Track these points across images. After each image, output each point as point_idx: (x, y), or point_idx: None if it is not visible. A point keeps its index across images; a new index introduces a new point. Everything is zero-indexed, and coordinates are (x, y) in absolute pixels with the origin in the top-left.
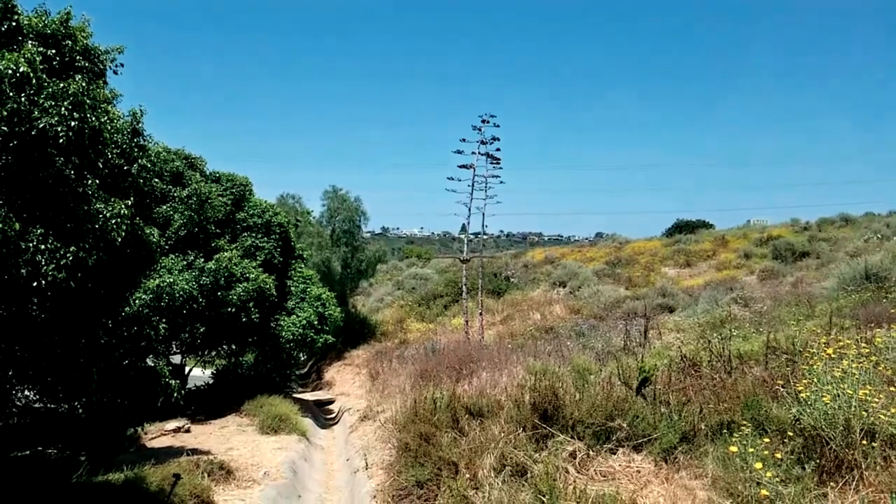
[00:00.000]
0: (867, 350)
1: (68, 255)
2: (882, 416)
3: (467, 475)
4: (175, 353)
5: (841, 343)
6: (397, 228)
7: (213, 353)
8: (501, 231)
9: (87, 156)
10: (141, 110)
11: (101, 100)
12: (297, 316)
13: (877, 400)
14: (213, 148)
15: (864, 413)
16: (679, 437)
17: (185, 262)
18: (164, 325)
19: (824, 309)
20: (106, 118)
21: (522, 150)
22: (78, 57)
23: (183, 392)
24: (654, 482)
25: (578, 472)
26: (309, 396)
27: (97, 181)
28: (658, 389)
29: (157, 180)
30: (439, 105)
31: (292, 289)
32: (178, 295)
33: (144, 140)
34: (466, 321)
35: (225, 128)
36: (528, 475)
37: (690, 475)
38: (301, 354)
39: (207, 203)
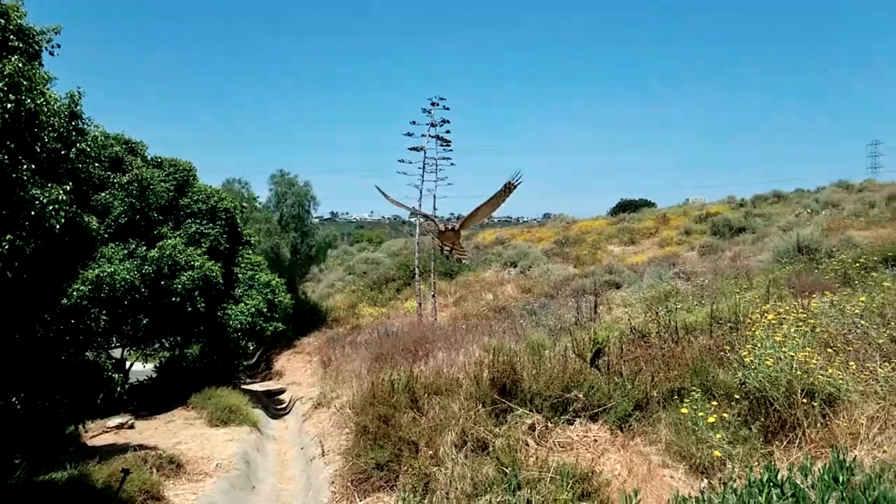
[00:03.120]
0: (804, 315)
1: (4, 243)
2: (820, 377)
3: (429, 453)
4: (116, 347)
5: (780, 310)
6: (347, 213)
7: (157, 346)
8: (452, 213)
9: (22, 140)
10: (79, 92)
11: (38, 81)
12: (246, 304)
13: (815, 361)
14: (154, 134)
15: (804, 374)
16: (633, 405)
17: (126, 251)
18: (104, 318)
19: (761, 280)
20: (42, 100)
21: (472, 133)
22: (11, 37)
23: (126, 387)
24: (610, 450)
25: (538, 444)
26: (258, 387)
27: (33, 166)
28: (611, 360)
29: (96, 165)
30: (388, 88)
31: (240, 276)
32: (118, 285)
33: (83, 123)
34: (420, 304)
35: (166, 113)
36: (490, 449)
37: (645, 441)
38: (250, 344)
39: (149, 189)
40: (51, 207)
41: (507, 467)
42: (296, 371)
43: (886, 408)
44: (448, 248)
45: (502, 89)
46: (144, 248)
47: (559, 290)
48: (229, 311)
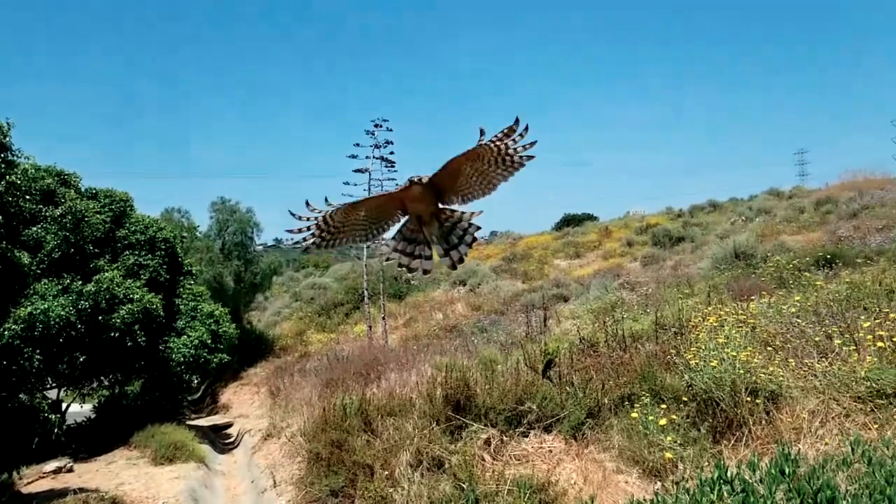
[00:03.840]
0: (744, 317)
1: None
2: (762, 375)
3: (385, 474)
4: (51, 387)
5: (721, 313)
6: (291, 239)
7: (96, 385)
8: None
9: None
10: (8, 124)
11: None
12: (188, 336)
13: (756, 360)
14: (90, 167)
15: (746, 373)
16: (585, 414)
17: (60, 287)
18: (38, 357)
19: (702, 287)
20: None
21: (416, 153)
22: None
23: (63, 429)
24: (566, 459)
25: (494, 458)
26: (204, 422)
27: None
28: (562, 371)
29: (27, 198)
30: (327, 112)
31: (181, 307)
32: (53, 322)
33: (13, 155)
34: (370, 327)
35: (103, 145)
36: (446, 466)
37: (599, 448)
38: (194, 378)
39: (84, 222)
40: None
41: (463, 483)
42: (243, 403)
43: (826, 402)
44: (426, 226)
45: (439, 105)
46: (80, 282)
47: (509, 306)
48: (171, 345)
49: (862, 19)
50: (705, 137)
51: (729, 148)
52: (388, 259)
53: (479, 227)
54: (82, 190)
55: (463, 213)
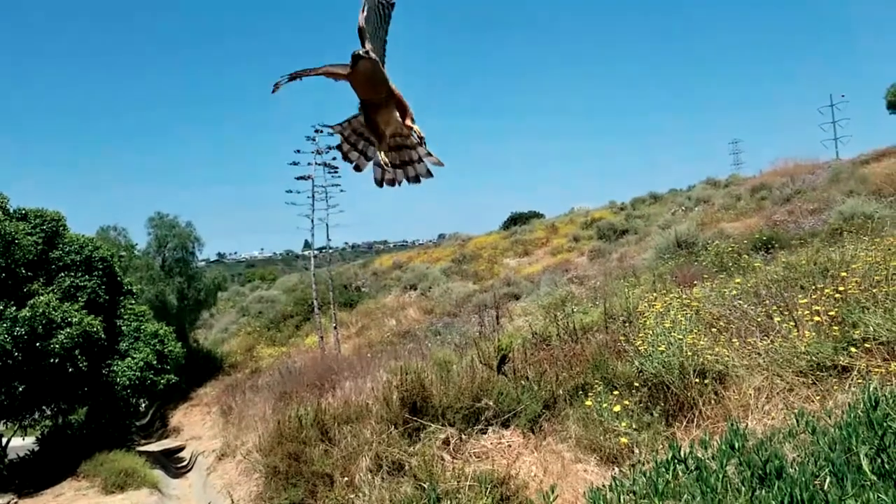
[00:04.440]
0: (688, 302)
1: None
2: (708, 356)
3: (345, 481)
4: None
5: (666, 299)
6: (235, 253)
7: (37, 415)
8: (346, 243)
9: None
10: None
11: None
12: (133, 358)
13: (702, 342)
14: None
15: (693, 356)
16: (542, 406)
17: None
18: None
19: (648, 277)
20: None
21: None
22: None
23: (5, 463)
24: (524, 453)
25: (454, 457)
26: (155, 447)
27: None
28: (516, 366)
29: None
30: (256, 115)
31: (123, 328)
32: None
33: None
34: (321, 337)
35: (23, 162)
36: (406, 469)
37: (556, 440)
38: (141, 401)
39: (14, 244)
40: None
41: (424, 483)
42: (194, 425)
43: (770, 378)
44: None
45: None
46: (14, 308)
47: (461, 308)
48: (115, 368)
49: (790, 12)
50: (644, 131)
51: (667, 141)
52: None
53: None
54: (11, 211)
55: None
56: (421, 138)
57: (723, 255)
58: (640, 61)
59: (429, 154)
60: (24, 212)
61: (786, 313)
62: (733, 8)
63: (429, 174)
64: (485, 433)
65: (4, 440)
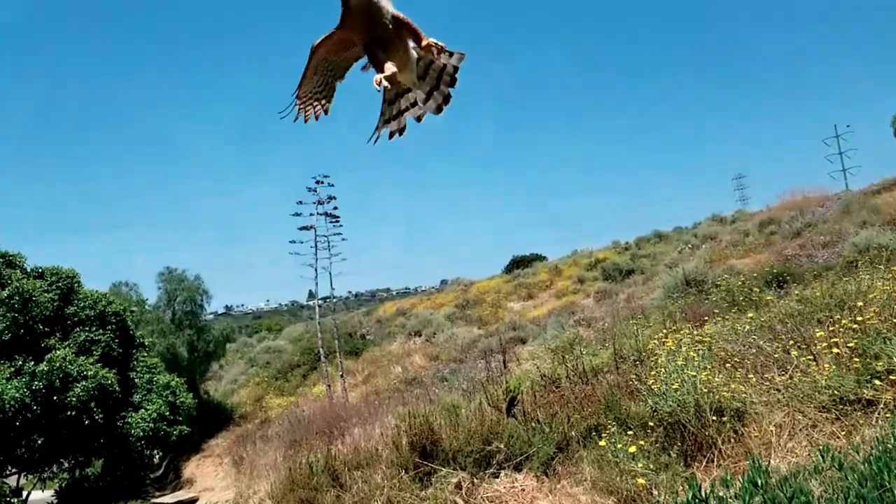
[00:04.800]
0: (700, 338)
1: None
2: (725, 393)
3: None
4: (11, 474)
5: (677, 336)
6: (242, 305)
7: (56, 468)
8: (350, 292)
9: None
10: None
11: None
12: (146, 409)
13: (717, 380)
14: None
15: (708, 393)
16: (554, 448)
17: (12, 369)
18: None
19: (657, 317)
20: None
21: (358, 209)
22: None
23: None
24: (539, 497)
25: (466, 502)
26: (169, 499)
27: None
28: (526, 408)
29: None
30: (258, 164)
31: (137, 381)
32: (8, 406)
33: None
34: (329, 386)
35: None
36: None
37: (571, 482)
38: (155, 453)
39: (32, 301)
40: None
41: None
42: (206, 476)
43: (791, 414)
44: (394, 57)
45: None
46: (32, 363)
47: (467, 353)
48: (129, 420)
49: (791, 44)
50: (644, 169)
51: (668, 178)
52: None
53: (457, 69)
54: (28, 270)
55: (437, 52)
56: (441, 48)
57: (734, 292)
58: (633, 101)
59: (450, 54)
60: (40, 270)
61: (803, 347)
62: (730, 42)
63: (439, 110)
64: (497, 477)
65: (25, 493)
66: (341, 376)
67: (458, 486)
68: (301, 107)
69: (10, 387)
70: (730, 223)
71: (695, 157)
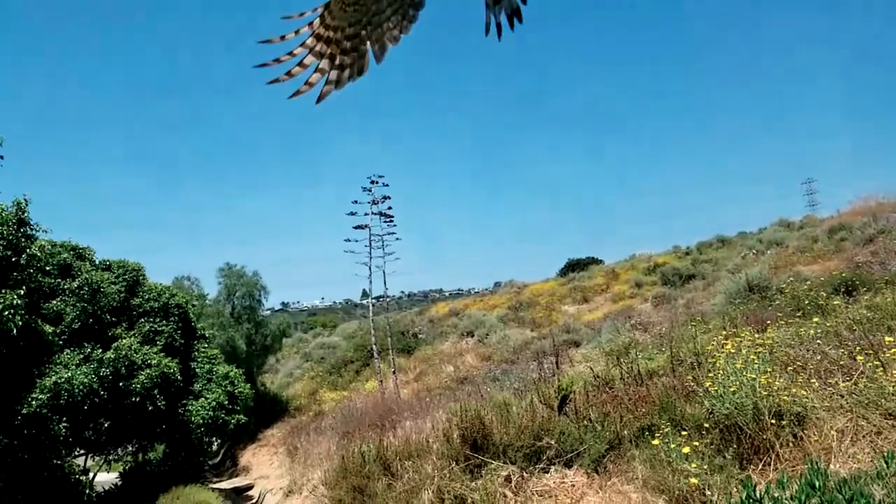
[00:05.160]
0: (762, 341)
1: None
2: (785, 398)
3: None
4: (79, 455)
5: (737, 339)
6: (298, 302)
7: (120, 451)
8: (402, 292)
9: None
10: (26, 199)
11: None
12: (206, 398)
13: (778, 383)
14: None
15: (768, 396)
16: (606, 446)
17: (82, 356)
18: (64, 425)
19: (718, 323)
20: None
21: (415, 207)
22: None
23: (93, 494)
24: (589, 493)
25: (516, 495)
26: (226, 485)
27: None
28: (578, 406)
29: (47, 269)
30: (322, 171)
31: (197, 370)
32: (77, 390)
33: (32, 229)
34: (381, 382)
35: (110, 218)
36: (469, 501)
37: (622, 480)
38: (214, 441)
39: (100, 292)
40: (7, 313)
41: None
42: (262, 465)
43: (854, 420)
44: None
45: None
46: (100, 350)
47: (519, 355)
48: (190, 408)
49: (854, 44)
50: (705, 173)
51: (731, 182)
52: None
53: None
54: (97, 262)
55: None
56: None
57: (799, 297)
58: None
59: None
60: (108, 263)
61: (871, 353)
62: (797, 51)
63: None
64: (547, 472)
65: (91, 474)
66: (393, 373)
67: (508, 479)
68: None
69: (79, 372)
70: (797, 229)
71: (762, 160)
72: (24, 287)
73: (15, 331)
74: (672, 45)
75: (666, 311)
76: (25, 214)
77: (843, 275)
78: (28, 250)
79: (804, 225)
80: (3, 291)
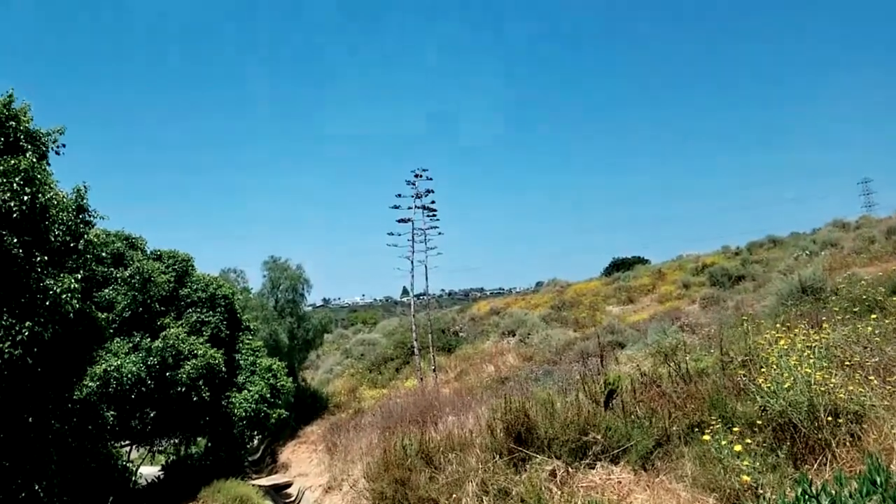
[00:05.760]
0: (817, 338)
1: (24, 330)
2: (842, 395)
3: None
4: (125, 445)
5: (790, 336)
6: (339, 299)
7: (164, 443)
8: (443, 290)
9: (37, 232)
10: (85, 187)
11: (45, 180)
12: (249, 391)
13: (834, 380)
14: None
15: (824, 393)
16: (654, 443)
17: (131, 345)
18: (112, 413)
19: (768, 325)
20: (52, 194)
21: (457, 204)
22: (21, 137)
23: (138, 482)
24: (636, 490)
25: (561, 489)
26: (265, 482)
27: (45, 257)
28: (625, 401)
29: (96, 264)
30: (361, 167)
31: (241, 362)
32: (125, 379)
33: (90, 216)
34: (421, 379)
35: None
36: (513, 495)
37: (671, 478)
38: (255, 436)
39: (150, 281)
40: (64, 296)
41: None
42: (301, 462)
43: None
44: None
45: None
46: (149, 339)
47: (562, 356)
48: (233, 400)
49: None
50: (758, 173)
51: (788, 181)
52: None
53: None
54: (148, 252)
55: None
56: None
57: (857, 298)
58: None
59: None
60: (158, 253)
61: None
62: (852, 45)
63: None
64: (593, 468)
65: (135, 466)
66: (433, 371)
67: (553, 474)
68: None
69: (128, 361)
70: (853, 229)
71: (817, 159)
72: (80, 272)
73: (72, 313)
74: (725, 43)
75: (714, 312)
76: (84, 201)
77: None
78: (86, 236)
79: (860, 225)
80: (62, 275)
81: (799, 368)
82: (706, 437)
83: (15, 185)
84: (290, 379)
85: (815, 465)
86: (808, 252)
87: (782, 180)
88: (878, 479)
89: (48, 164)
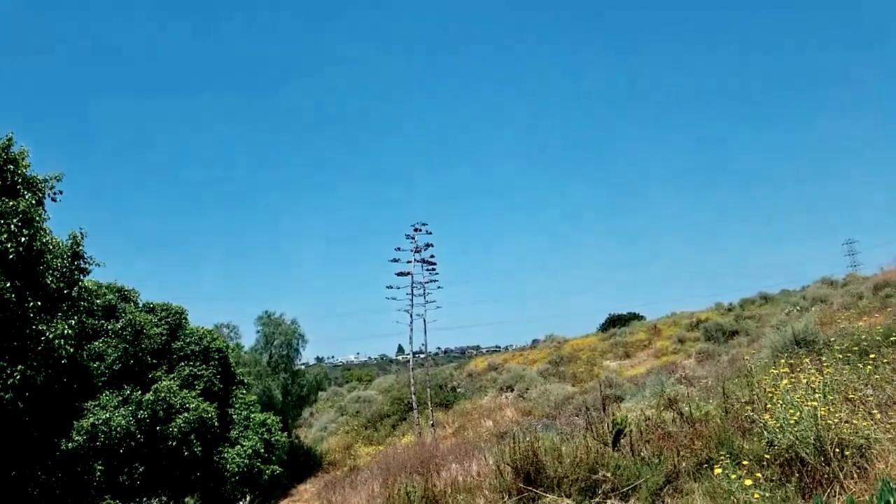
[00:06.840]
0: (820, 376)
1: (16, 374)
2: (846, 428)
3: None
4: (112, 502)
5: (793, 376)
6: (332, 357)
7: (154, 502)
8: (439, 348)
9: (32, 276)
10: (81, 233)
11: (41, 225)
12: (242, 446)
13: (839, 414)
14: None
15: (829, 427)
16: (664, 480)
17: (120, 398)
18: (99, 466)
19: (766, 376)
20: (48, 239)
21: (453, 266)
22: (19, 180)
23: None
24: None
25: None
26: None
27: (39, 303)
28: (633, 440)
29: (87, 317)
30: (367, 222)
31: (234, 417)
32: (114, 432)
33: (85, 263)
34: (419, 434)
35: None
36: None
37: None
38: (246, 492)
39: (142, 334)
40: (57, 341)
41: None
42: None
43: None
44: None
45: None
46: (139, 392)
47: (561, 409)
48: (226, 455)
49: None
50: (744, 235)
51: (770, 244)
52: None
53: None
54: (140, 304)
55: None
56: None
57: (850, 349)
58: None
59: None
60: (151, 305)
61: None
62: (830, 107)
63: None
64: None
65: None
66: (432, 426)
67: None
68: None
69: (117, 415)
70: (841, 286)
71: (800, 221)
72: (74, 318)
73: (65, 359)
74: (715, 101)
75: (711, 365)
76: (80, 248)
77: (891, 328)
78: (80, 283)
79: (848, 282)
80: (55, 321)
81: (805, 403)
82: (718, 471)
83: (13, 226)
84: (285, 434)
85: (825, 497)
86: (798, 308)
87: (768, 241)
88: (892, 500)
89: (44, 210)
